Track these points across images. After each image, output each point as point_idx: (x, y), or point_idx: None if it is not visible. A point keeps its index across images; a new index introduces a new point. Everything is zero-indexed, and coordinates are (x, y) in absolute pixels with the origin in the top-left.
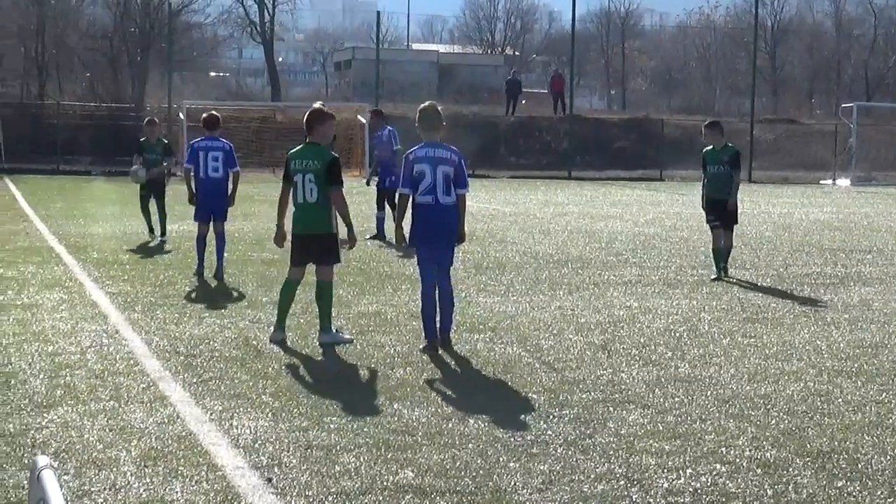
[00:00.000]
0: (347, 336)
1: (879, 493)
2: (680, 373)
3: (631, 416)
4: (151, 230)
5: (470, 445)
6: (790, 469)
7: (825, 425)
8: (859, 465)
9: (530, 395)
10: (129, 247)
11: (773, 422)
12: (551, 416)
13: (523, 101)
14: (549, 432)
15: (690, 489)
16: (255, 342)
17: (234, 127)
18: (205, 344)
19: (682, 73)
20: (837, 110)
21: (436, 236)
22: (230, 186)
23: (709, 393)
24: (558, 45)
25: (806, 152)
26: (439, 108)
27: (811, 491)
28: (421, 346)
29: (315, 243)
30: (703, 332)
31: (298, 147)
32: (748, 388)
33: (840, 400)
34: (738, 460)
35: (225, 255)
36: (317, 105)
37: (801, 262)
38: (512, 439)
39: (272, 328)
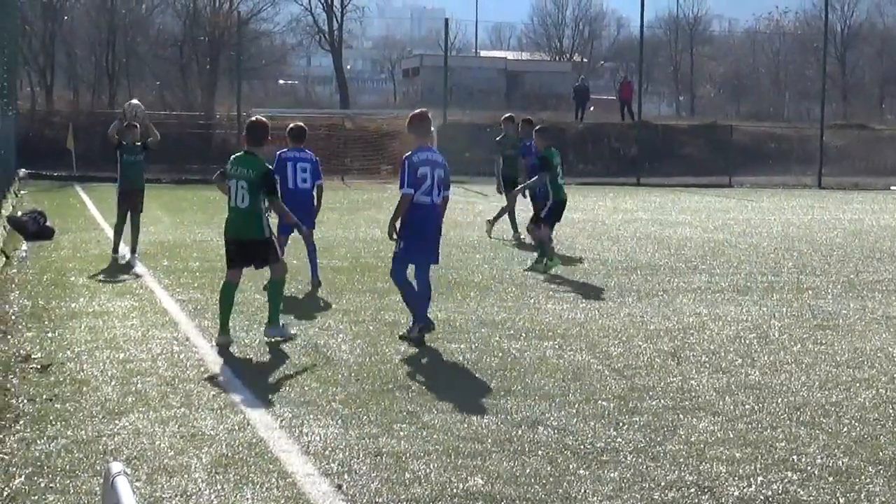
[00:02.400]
0: (293, 331)
1: None
2: (750, 380)
3: (701, 424)
4: (116, 250)
5: (540, 452)
6: (862, 477)
7: None
8: None
9: (600, 402)
10: (199, 254)
11: (845, 429)
12: (621, 424)
13: (591, 108)
14: (619, 440)
15: (762, 497)
16: (324, 349)
17: None
18: (274, 351)
19: (751, 79)
20: None
21: (431, 234)
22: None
23: (780, 400)
24: (626, 52)
25: (876, 158)
26: (430, 114)
27: (884, 499)
28: (415, 332)
29: (251, 249)
30: (774, 339)
31: (238, 154)
32: (819, 395)
33: None
34: (809, 468)
35: (317, 260)
36: (258, 117)
37: (872, 269)
38: (582, 447)
39: (217, 334)
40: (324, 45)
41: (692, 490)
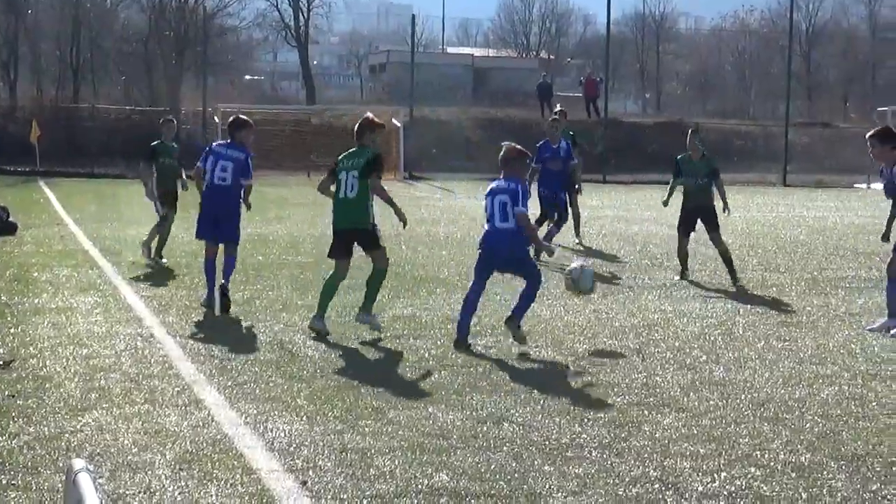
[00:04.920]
0: (381, 324)
1: None
2: (714, 376)
3: (665, 420)
4: (161, 253)
5: (504, 449)
6: (824, 472)
7: (859, 429)
8: (894, 469)
9: (565, 398)
10: (164, 250)
11: (808, 425)
12: (586, 420)
13: (558, 105)
14: (584, 436)
15: (725, 493)
16: (289, 345)
17: (268, 130)
18: (239, 347)
19: (717, 77)
20: (872, 114)
21: (495, 256)
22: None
23: (743, 396)
24: (593, 49)
25: (840, 156)
26: (518, 148)
27: (845, 494)
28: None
29: (361, 238)
30: (738, 336)
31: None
32: (783, 391)
33: (874, 403)
34: (772, 464)
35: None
36: (366, 115)
37: (835, 266)
38: (546, 442)
39: (311, 316)
40: (290, 40)
41: (656, 485)
